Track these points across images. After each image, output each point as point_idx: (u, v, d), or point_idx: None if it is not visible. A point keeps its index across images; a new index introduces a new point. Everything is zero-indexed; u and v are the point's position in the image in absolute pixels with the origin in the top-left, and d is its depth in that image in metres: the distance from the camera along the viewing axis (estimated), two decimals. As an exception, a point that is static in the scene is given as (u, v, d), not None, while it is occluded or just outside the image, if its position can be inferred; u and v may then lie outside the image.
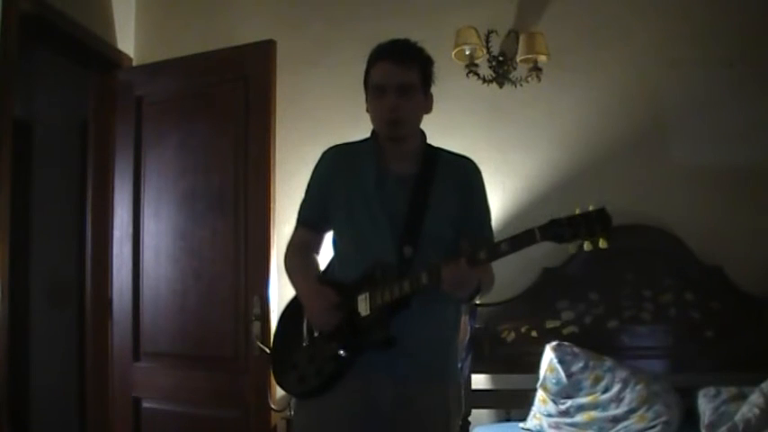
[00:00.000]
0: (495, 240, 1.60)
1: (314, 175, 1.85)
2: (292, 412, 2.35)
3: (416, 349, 1.65)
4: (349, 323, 1.66)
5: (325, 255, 1.88)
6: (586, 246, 1.49)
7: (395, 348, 1.61)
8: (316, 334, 1.72)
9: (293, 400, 1.86)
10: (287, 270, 1.84)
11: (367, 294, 1.64)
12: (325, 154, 1.84)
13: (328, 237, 1.86)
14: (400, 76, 1.67)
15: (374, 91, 1.70)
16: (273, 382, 2.66)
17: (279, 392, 2.78)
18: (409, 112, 1.70)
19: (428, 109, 1.77)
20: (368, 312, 1.64)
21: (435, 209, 1.69)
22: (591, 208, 1.47)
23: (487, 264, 1.58)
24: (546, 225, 1.48)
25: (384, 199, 1.70)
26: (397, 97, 1.67)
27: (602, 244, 1.48)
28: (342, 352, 1.65)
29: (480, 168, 1.83)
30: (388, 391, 1.65)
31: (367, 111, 1.77)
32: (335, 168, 1.80)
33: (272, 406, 2.72)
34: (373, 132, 1.79)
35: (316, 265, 1.84)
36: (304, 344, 1.74)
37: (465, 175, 1.80)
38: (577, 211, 1.47)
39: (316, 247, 1.86)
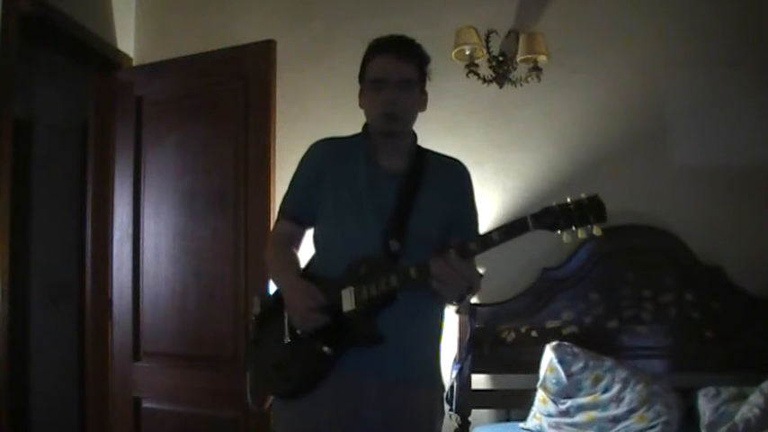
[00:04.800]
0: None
1: (300, 167, 1.82)
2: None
3: (402, 348, 1.61)
4: (333, 319, 1.61)
5: (305, 252, 1.84)
6: (580, 234, 1.48)
7: (381, 346, 1.58)
8: (298, 331, 1.67)
9: (274, 402, 1.80)
10: (268, 263, 1.81)
11: (352, 289, 1.60)
12: (313, 146, 1.81)
13: (309, 234, 1.82)
14: (401, 71, 1.67)
15: (372, 84, 1.69)
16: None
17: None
18: (407, 106, 1.69)
19: (423, 107, 1.76)
20: (353, 307, 1.60)
21: (423, 206, 1.67)
22: (583, 196, 1.47)
23: (477, 255, 1.54)
24: (538, 213, 1.48)
25: (373, 193, 1.68)
26: (396, 91, 1.66)
27: (596, 231, 1.47)
28: (326, 349, 1.61)
29: (470, 170, 1.82)
30: (373, 392, 1.62)
31: (360, 106, 1.76)
32: (324, 162, 1.76)
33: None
34: (365, 128, 1.78)
35: (297, 260, 1.79)
36: (286, 341, 1.69)
37: (454, 175, 1.79)
38: (569, 200, 1.47)
39: (296, 241, 1.82)
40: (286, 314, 1.70)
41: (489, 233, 1.52)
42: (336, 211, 1.71)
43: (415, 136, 1.78)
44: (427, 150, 1.78)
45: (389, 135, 1.70)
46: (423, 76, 1.73)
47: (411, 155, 1.74)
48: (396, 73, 1.66)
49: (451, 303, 1.68)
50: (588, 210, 1.45)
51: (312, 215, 1.77)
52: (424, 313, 1.70)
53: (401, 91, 1.66)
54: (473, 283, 1.57)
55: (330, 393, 1.62)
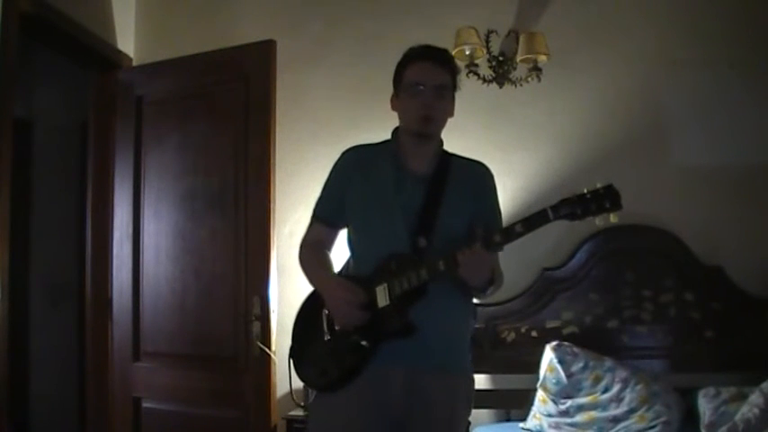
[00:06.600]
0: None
1: (332, 173, 1.89)
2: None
3: (432, 341, 1.68)
4: (369, 315, 1.69)
5: (338, 255, 1.89)
6: (598, 221, 1.56)
7: (413, 339, 1.64)
8: (337, 328, 1.75)
9: (312, 396, 1.90)
10: (302, 265, 1.87)
11: (385, 285, 1.68)
12: (344, 153, 1.89)
13: (342, 236, 1.88)
14: (439, 77, 1.75)
15: (410, 88, 1.76)
16: (274, 381, 2.71)
17: (280, 391, 2.79)
18: (442, 111, 1.78)
19: (452, 112, 1.83)
20: (387, 302, 1.67)
21: (449, 205, 1.74)
22: (598, 185, 1.56)
23: (501, 246, 1.63)
24: (557, 205, 1.57)
25: (400, 194, 1.75)
26: (433, 96, 1.74)
27: (613, 219, 1.56)
28: (364, 342, 1.69)
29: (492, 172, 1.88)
30: (398, 383, 1.68)
31: (393, 109, 1.83)
32: (354, 167, 1.84)
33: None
34: (393, 134, 1.85)
35: (330, 260, 1.87)
36: (325, 338, 1.76)
37: (478, 176, 1.86)
38: (585, 190, 1.55)
39: (329, 243, 1.90)
40: (324, 312, 1.77)
41: (512, 225, 1.60)
42: (365, 212, 1.79)
43: (441, 141, 1.85)
44: (453, 154, 1.85)
45: (423, 137, 1.77)
46: (454, 84, 1.81)
47: (437, 158, 1.81)
48: (434, 78, 1.75)
49: (476, 293, 1.75)
50: (604, 198, 1.54)
51: (342, 218, 1.85)
52: (450, 307, 1.75)
53: (437, 96, 1.74)
54: (495, 274, 1.68)
55: (359, 387, 1.69)
